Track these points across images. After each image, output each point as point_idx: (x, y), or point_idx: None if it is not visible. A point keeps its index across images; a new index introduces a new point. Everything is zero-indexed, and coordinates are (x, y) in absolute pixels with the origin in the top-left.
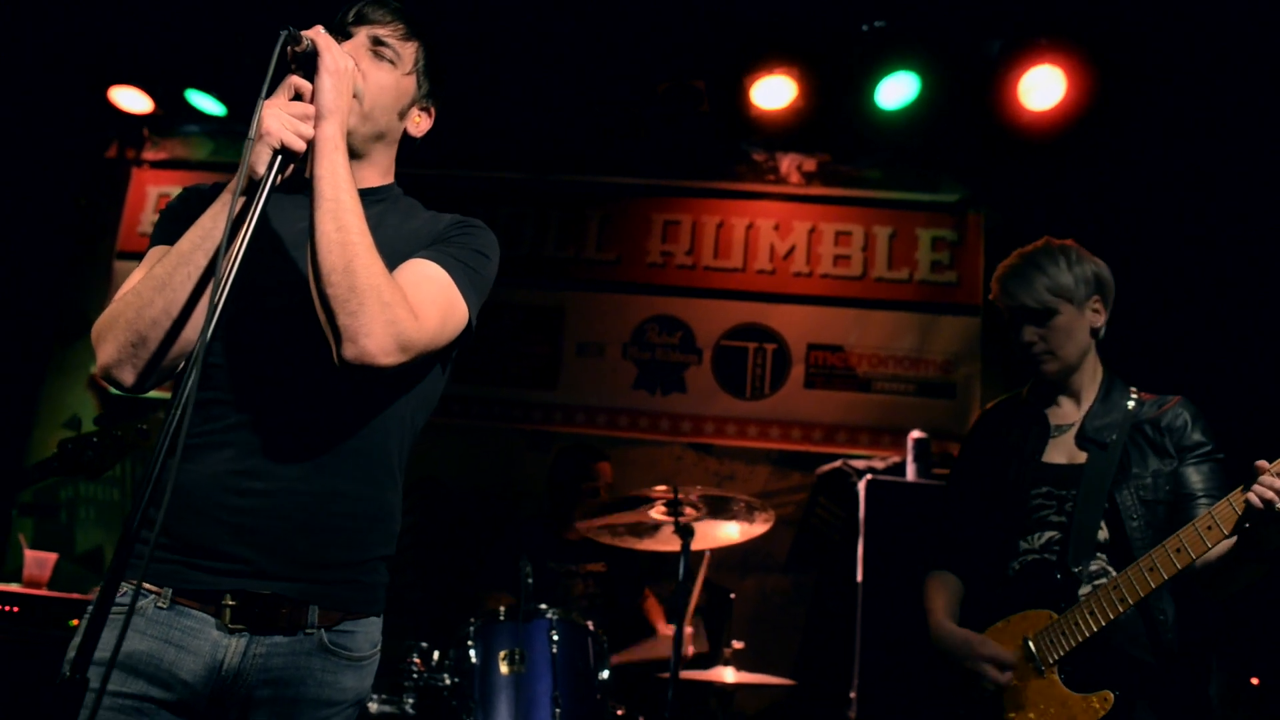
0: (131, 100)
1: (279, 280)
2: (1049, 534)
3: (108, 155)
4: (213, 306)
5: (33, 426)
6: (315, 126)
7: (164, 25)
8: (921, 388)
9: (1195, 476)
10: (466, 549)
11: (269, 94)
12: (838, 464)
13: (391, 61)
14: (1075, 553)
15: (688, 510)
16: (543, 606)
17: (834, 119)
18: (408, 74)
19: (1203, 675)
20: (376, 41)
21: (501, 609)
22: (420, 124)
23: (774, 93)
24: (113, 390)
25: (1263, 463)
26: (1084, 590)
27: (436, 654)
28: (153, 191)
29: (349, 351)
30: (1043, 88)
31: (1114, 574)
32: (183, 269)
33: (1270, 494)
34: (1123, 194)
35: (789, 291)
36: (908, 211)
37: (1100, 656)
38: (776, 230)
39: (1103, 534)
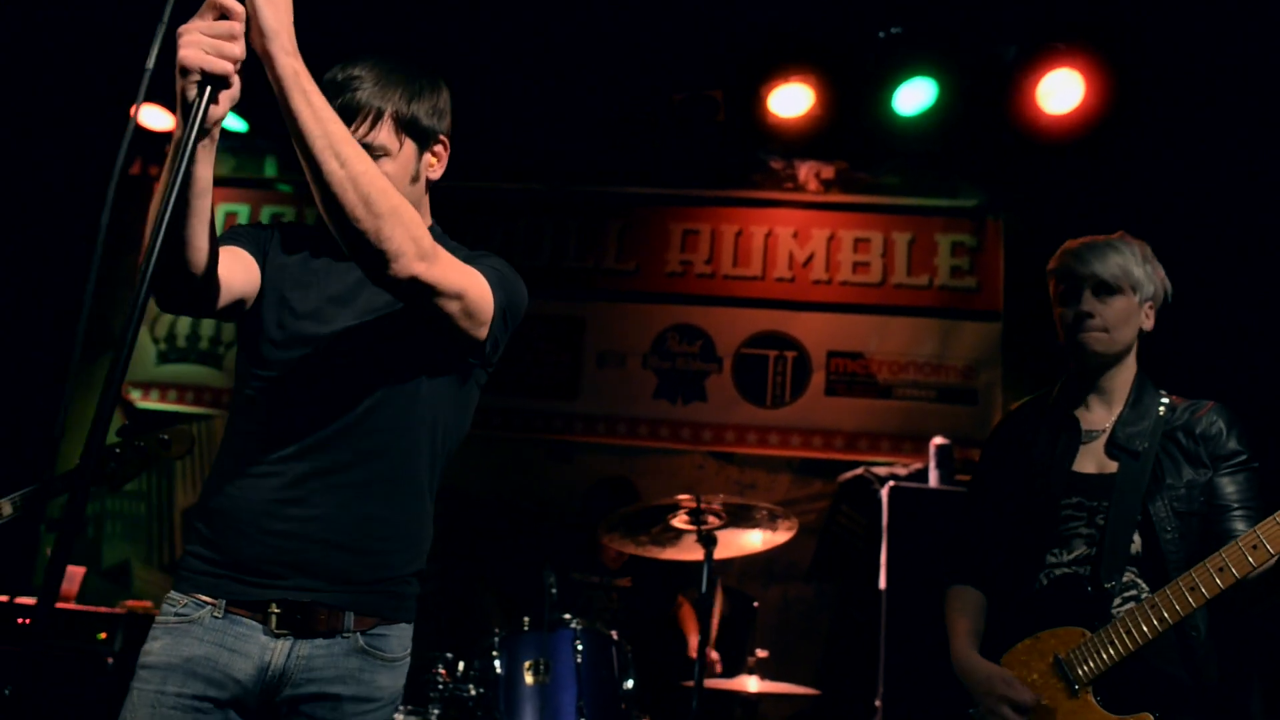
0: (155, 119)
1: (322, 322)
2: (1079, 548)
3: (131, 172)
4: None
5: (59, 441)
6: (264, 50)
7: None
8: (943, 394)
9: (1230, 487)
10: (489, 559)
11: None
12: (859, 471)
13: (386, 155)
14: (1108, 567)
15: (710, 519)
16: (566, 616)
17: (851, 126)
18: (400, 149)
19: (1244, 690)
20: (368, 149)
21: (526, 619)
22: (435, 167)
23: (791, 100)
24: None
25: None
26: (1116, 606)
27: (461, 665)
28: None
29: (397, 268)
30: (1061, 91)
31: (1145, 588)
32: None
33: None
34: (1143, 197)
35: (808, 299)
36: (927, 217)
37: (1136, 676)
38: (795, 238)
39: (1135, 547)
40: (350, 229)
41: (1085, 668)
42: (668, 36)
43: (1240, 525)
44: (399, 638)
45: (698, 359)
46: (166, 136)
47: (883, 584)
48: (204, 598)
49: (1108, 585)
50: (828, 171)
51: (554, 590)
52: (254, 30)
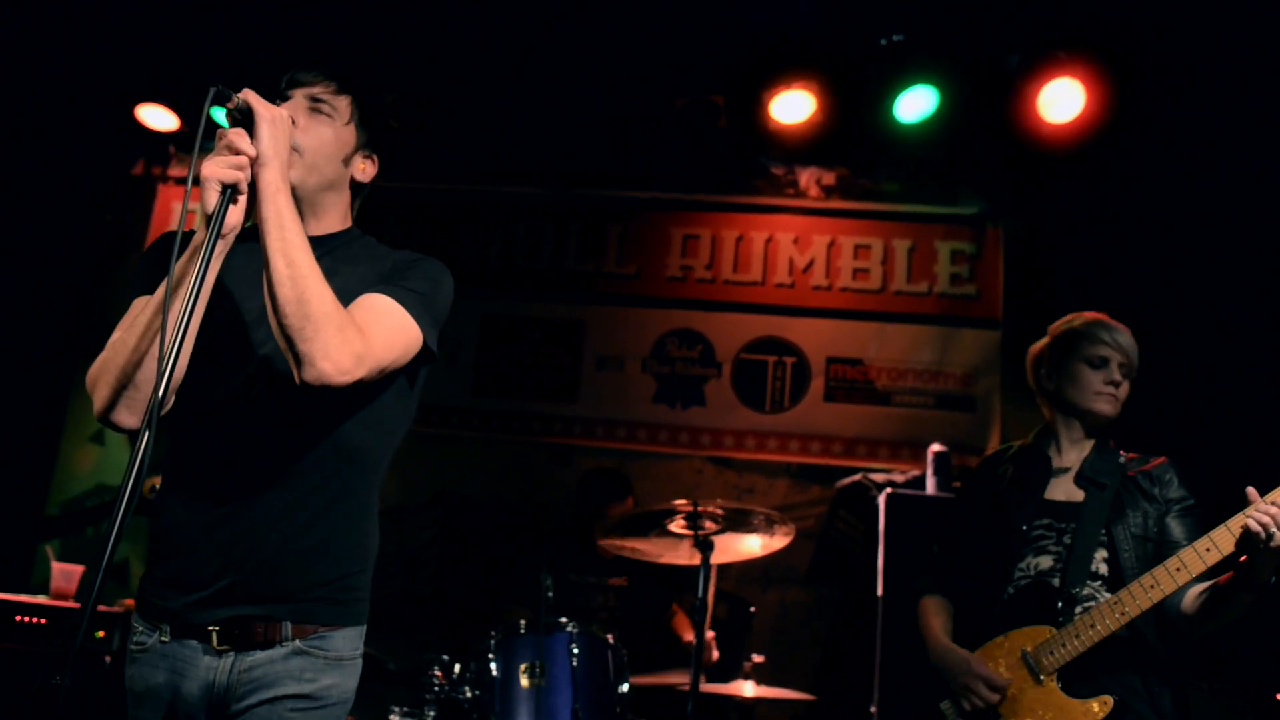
0: (158, 118)
1: (242, 327)
2: (1047, 561)
3: (134, 172)
4: (163, 352)
5: (59, 440)
6: (256, 174)
7: (189, 45)
8: (941, 401)
9: (1178, 528)
10: (487, 562)
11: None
12: (857, 477)
13: (329, 115)
14: (1073, 576)
15: (707, 524)
16: (563, 620)
17: (853, 133)
18: (345, 124)
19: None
20: (313, 99)
21: (522, 622)
22: (366, 170)
23: (793, 107)
24: (120, 432)
25: (1253, 490)
26: (1078, 612)
27: (457, 667)
28: (178, 208)
29: (309, 374)
30: (1062, 100)
31: (1104, 598)
32: (159, 318)
33: (1266, 518)
34: (1143, 206)
35: (808, 305)
36: (927, 224)
37: (1096, 666)
38: (796, 244)
39: (1096, 564)
40: (281, 324)
41: (1049, 658)
42: (670, 41)
43: (1204, 535)
44: (346, 638)
45: (697, 364)
46: (170, 136)
47: (880, 590)
48: (155, 622)
49: (1074, 591)
50: (829, 178)
51: (550, 593)
52: (258, 149)
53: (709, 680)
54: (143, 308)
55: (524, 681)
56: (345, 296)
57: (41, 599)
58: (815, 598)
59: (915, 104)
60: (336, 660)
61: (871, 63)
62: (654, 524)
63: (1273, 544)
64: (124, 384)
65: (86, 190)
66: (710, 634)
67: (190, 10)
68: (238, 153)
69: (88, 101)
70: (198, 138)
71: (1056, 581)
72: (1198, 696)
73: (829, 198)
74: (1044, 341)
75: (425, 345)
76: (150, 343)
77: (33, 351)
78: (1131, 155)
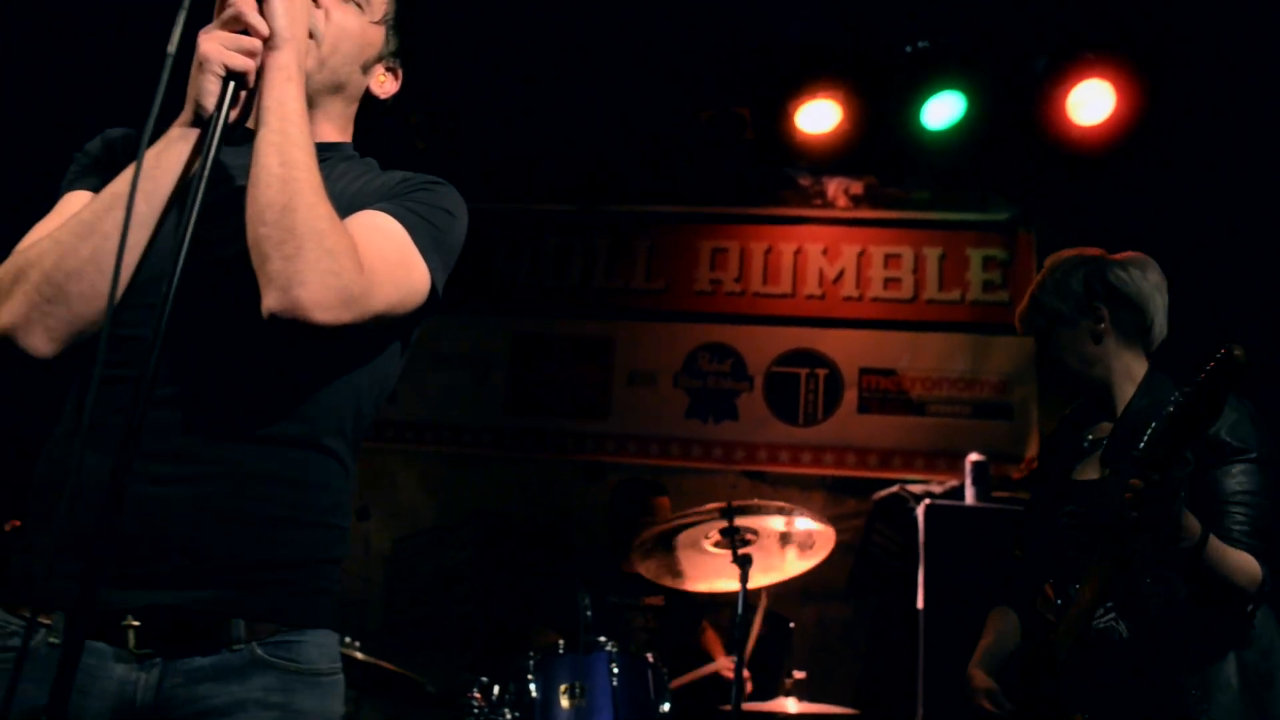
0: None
1: (207, 240)
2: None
3: None
4: (176, 256)
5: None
6: (265, 55)
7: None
8: (977, 409)
9: (1228, 481)
10: (522, 581)
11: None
12: (894, 489)
13: (359, 5)
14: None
15: (746, 535)
16: (602, 639)
17: (880, 141)
18: (376, 23)
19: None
20: None
21: (561, 642)
22: (385, 85)
23: (818, 117)
24: (21, 361)
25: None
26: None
27: (497, 688)
28: None
29: (276, 301)
30: (1091, 102)
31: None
32: (114, 213)
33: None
34: (1176, 207)
35: (839, 316)
36: (957, 232)
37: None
38: (825, 254)
39: None
40: (256, 233)
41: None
42: (694, 55)
43: (1238, 518)
44: (319, 645)
45: (729, 378)
46: None
47: (920, 603)
48: (27, 614)
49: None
50: (856, 187)
51: (589, 612)
52: (271, 26)
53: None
54: (86, 203)
55: (564, 702)
56: (336, 210)
57: None
58: (854, 612)
59: (942, 110)
60: (312, 675)
61: (897, 70)
62: (684, 531)
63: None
64: (48, 296)
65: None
66: (746, 671)
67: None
68: (247, 30)
69: (112, 120)
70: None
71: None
72: None
73: (857, 207)
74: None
75: (433, 289)
76: (94, 248)
77: (39, 370)
78: (1164, 155)
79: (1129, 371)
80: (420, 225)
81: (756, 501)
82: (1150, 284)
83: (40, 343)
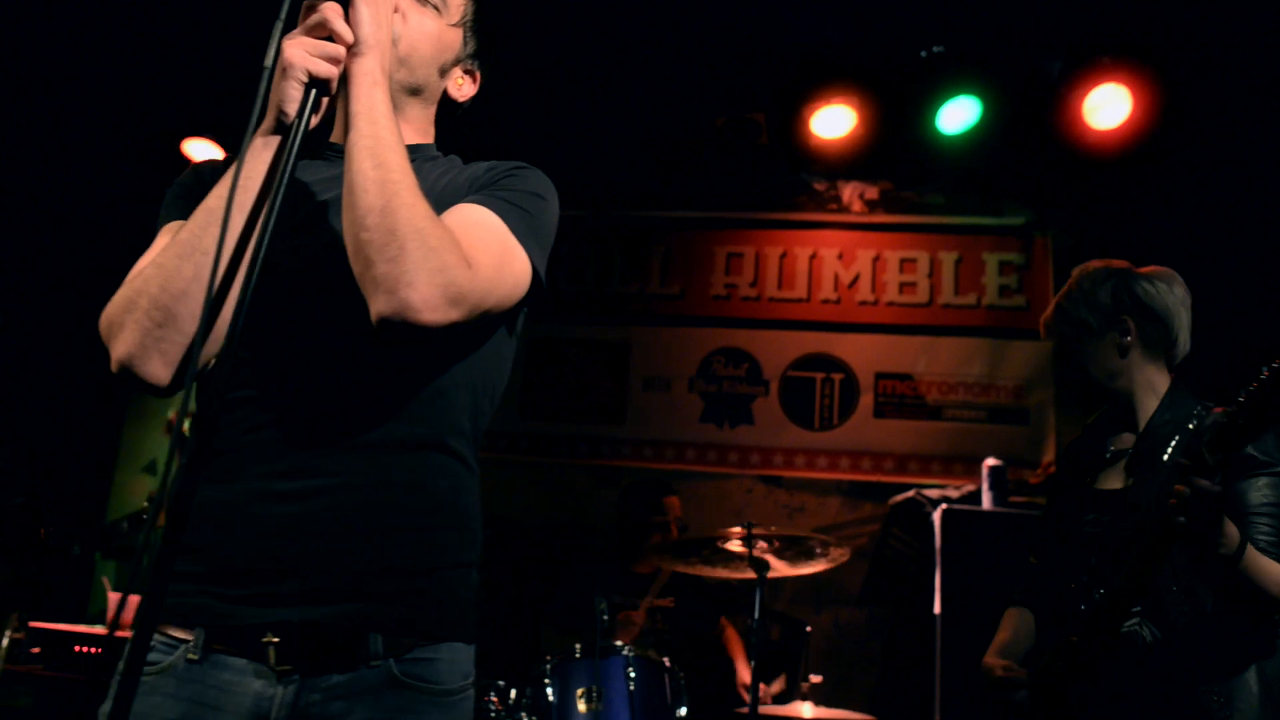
0: (204, 152)
1: (303, 254)
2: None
3: None
4: (251, 266)
5: (114, 471)
6: (350, 62)
7: (236, 78)
8: (994, 414)
9: (1253, 494)
10: (537, 586)
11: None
12: (910, 494)
13: (436, 8)
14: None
15: (761, 544)
16: (618, 643)
17: (895, 146)
18: (454, 25)
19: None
20: None
21: (577, 646)
22: (463, 87)
23: (833, 122)
24: (142, 391)
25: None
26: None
27: (514, 693)
28: None
29: (385, 305)
30: (1108, 106)
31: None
32: (213, 228)
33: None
34: (1193, 212)
35: (855, 320)
36: (973, 236)
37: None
38: (840, 259)
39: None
40: (357, 239)
41: None
42: (709, 60)
43: (1263, 529)
44: (451, 661)
45: (744, 382)
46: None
47: (937, 608)
48: (175, 632)
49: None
50: (872, 192)
51: (605, 616)
52: (356, 33)
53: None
54: (181, 227)
55: (581, 706)
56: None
57: (99, 629)
58: (870, 617)
59: (958, 115)
60: (444, 695)
61: (912, 75)
62: (706, 544)
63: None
64: (159, 321)
65: (134, 223)
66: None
67: (240, 44)
68: (331, 37)
69: (135, 135)
70: (284, 5)
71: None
72: None
73: (873, 212)
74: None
75: (535, 276)
76: (197, 265)
77: (85, 383)
78: (1181, 159)
79: (1152, 385)
80: (514, 213)
81: (779, 530)
82: (1176, 299)
83: (159, 370)
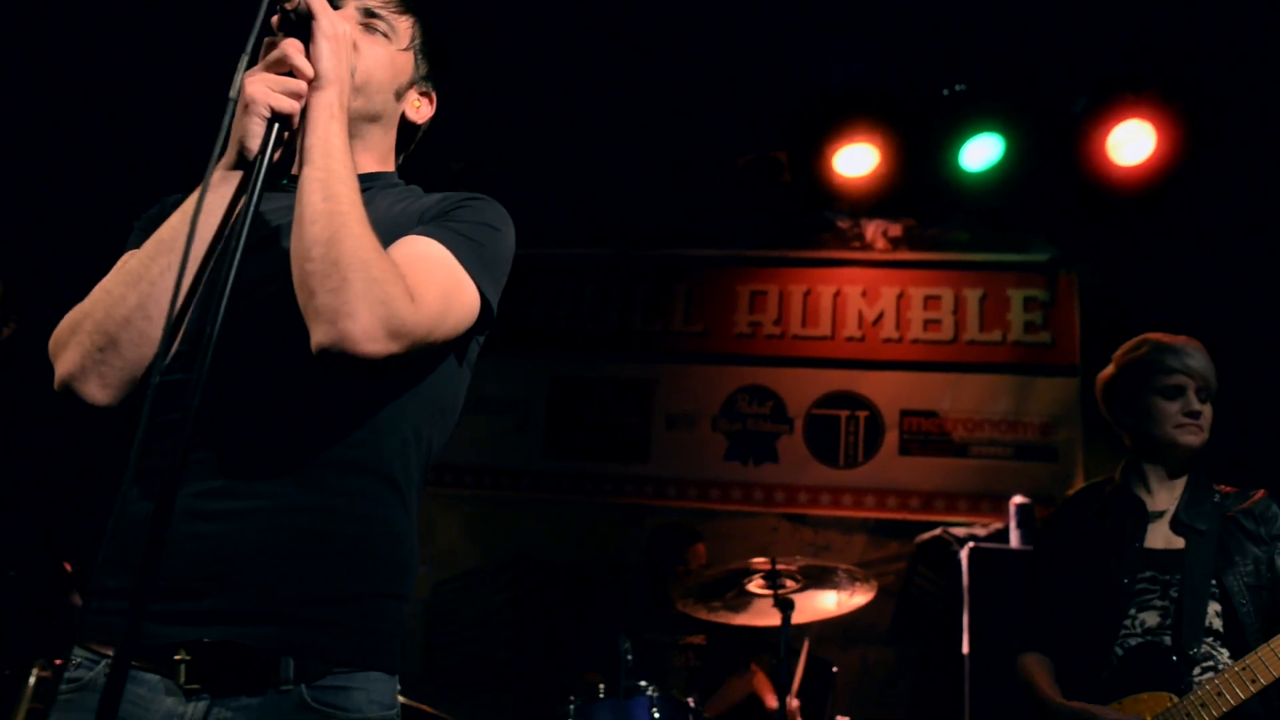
0: None
1: (251, 279)
2: (1154, 618)
3: None
4: (190, 294)
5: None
6: (310, 96)
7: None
8: (1020, 451)
9: None
10: (563, 625)
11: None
12: (937, 532)
13: (385, 35)
14: (1188, 636)
15: (787, 583)
16: (643, 683)
17: (918, 183)
18: (404, 50)
19: None
20: (368, 13)
21: (601, 686)
22: (420, 109)
23: (856, 160)
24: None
25: None
26: (1197, 674)
27: None
28: None
29: (325, 335)
30: (1132, 143)
31: (1224, 656)
32: (162, 258)
33: None
34: (1218, 248)
35: (879, 358)
36: (998, 273)
37: None
38: (864, 296)
39: (1211, 619)
40: (302, 270)
41: None
42: (732, 99)
43: None
44: (367, 691)
45: (768, 420)
46: None
47: (965, 648)
48: (98, 648)
49: (1190, 652)
50: (895, 229)
51: (629, 656)
52: (317, 68)
53: None
54: (134, 255)
55: None
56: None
57: None
58: (897, 656)
59: (981, 152)
60: None
61: (935, 113)
62: (731, 585)
63: None
64: (100, 345)
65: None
66: (795, 702)
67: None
68: (292, 72)
69: (155, 149)
70: (250, 40)
71: (1169, 640)
72: None
73: (896, 249)
74: (1110, 371)
75: (484, 305)
76: (141, 295)
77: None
78: (1206, 195)
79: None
80: (464, 244)
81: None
82: None
83: (96, 391)
